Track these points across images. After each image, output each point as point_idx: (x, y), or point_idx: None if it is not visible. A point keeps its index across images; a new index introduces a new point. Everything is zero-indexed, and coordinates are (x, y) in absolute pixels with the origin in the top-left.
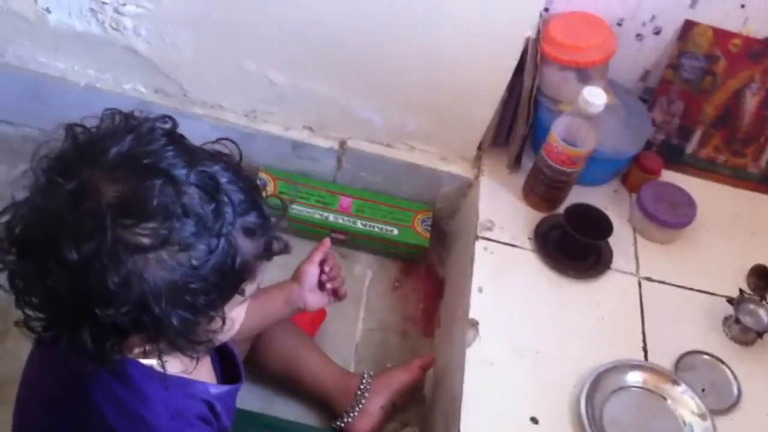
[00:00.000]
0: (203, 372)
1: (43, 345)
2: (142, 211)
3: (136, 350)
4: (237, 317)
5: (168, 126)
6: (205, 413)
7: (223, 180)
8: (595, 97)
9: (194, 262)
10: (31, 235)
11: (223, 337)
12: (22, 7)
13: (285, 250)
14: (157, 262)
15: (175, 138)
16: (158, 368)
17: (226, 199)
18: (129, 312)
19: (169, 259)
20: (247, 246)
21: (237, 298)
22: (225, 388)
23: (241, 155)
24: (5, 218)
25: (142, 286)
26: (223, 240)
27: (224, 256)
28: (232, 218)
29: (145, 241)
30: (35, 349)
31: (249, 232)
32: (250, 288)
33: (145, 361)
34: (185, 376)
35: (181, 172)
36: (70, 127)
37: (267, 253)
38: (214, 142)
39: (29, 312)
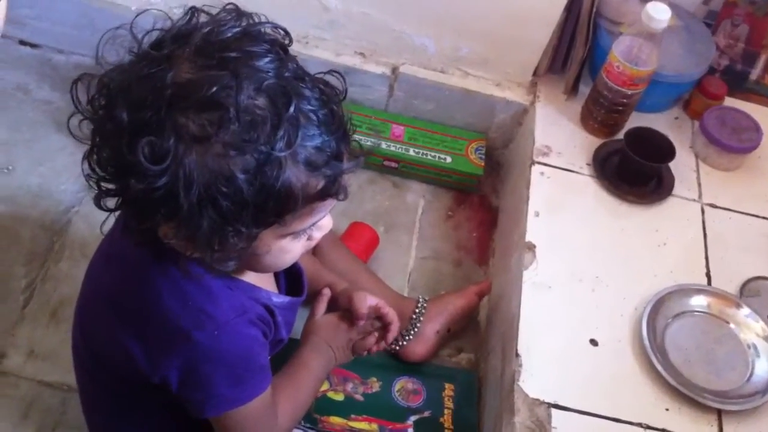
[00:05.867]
0: (267, 285)
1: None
2: (198, 99)
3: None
4: (283, 249)
5: (280, 38)
6: (266, 318)
7: (305, 105)
8: (659, 12)
9: (232, 168)
10: (110, 90)
11: (267, 264)
12: None
13: (343, 197)
14: (198, 154)
15: (278, 50)
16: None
17: (294, 121)
18: (160, 193)
19: (209, 156)
20: (299, 176)
21: (279, 228)
22: (287, 298)
23: (345, 92)
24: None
25: (177, 170)
26: (269, 158)
27: (267, 176)
28: (292, 143)
29: (193, 128)
30: (101, 249)
31: (308, 164)
32: (297, 224)
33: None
34: (250, 281)
35: (258, 77)
36: (192, 9)
37: (321, 194)
38: (325, 73)
39: (94, 167)
